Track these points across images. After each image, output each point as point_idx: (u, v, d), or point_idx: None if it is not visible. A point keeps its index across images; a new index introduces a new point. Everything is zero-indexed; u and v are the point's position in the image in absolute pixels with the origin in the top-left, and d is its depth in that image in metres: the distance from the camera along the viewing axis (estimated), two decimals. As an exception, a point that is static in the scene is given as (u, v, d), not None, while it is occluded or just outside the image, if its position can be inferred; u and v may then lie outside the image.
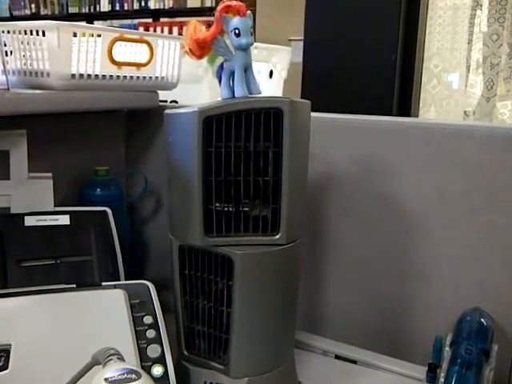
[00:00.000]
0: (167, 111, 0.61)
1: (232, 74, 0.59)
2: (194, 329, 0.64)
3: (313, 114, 0.62)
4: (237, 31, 0.55)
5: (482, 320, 0.67)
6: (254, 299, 0.61)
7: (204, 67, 1.03)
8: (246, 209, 0.59)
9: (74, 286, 0.63)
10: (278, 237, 0.59)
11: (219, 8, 0.56)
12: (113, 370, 0.42)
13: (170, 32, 3.27)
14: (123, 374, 0.42)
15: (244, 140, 0.57)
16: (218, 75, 0.61)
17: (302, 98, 0.60)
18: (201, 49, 0.58)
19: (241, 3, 0.56)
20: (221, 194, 0.58)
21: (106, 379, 0.41)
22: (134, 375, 0.42)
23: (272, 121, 0.56)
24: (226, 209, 0.58)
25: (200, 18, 0.61)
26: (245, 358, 0.62)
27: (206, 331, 0.63)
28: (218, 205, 0.58)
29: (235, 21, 0.56)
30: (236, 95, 0.58)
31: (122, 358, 0.45)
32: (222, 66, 0.60)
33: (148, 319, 0.61)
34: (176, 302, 0.64)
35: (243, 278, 0.59)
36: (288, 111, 0.56)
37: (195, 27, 0.58)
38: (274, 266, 0.61)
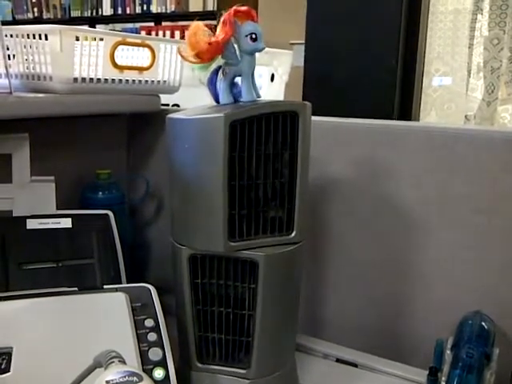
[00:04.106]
0: (171, 116, 0.60)
1: (234, 79, 0.59)
2: (207, 337, 0.63)
3: (314, 118, 0.63)
4: (253, 36, 0.55)
5: (483, 323, 0.67)
6: (274, 299, 0.61)
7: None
8: (264, 211, 0.59)
9: (76, 289, 0.63)
10: (293, 235, 0.61)
11: (231, 12, 0.55)
12: (114, 373, 0.42)
13: (172, 36, 3.28)
14: (124, 377, 0.42)
15: (264, 143, 0.57)
16: (211, 81, 0.60)
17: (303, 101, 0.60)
18: (213, 52, 0.56)
19: (251, 8, 0.56)
20: (243, 198, 0.58)
21: (107, 382, 0.41)
22: (135, 378, 0.42)
23: (289, 124, 0.57)
24: (247, 212, 0.58)
25: (202, 22, 0.60)
26: (265, 360, 0.63)
27: (223, 338, 0.62)
28: (240, 209, 0.58)
29: (251, 26, 0.56)
30: (245, 100, 0.59)
31: (123, 361, 0.45)
32: (216, 72, 0.59)
33: (149, 322, 0.61)
34: (184, 313, 0.63)
35: (266, 279, 0.59)
36: (303, 114, 0.58)
37: (203, 30, 0.56)
38: (292, 264, 0.62)
